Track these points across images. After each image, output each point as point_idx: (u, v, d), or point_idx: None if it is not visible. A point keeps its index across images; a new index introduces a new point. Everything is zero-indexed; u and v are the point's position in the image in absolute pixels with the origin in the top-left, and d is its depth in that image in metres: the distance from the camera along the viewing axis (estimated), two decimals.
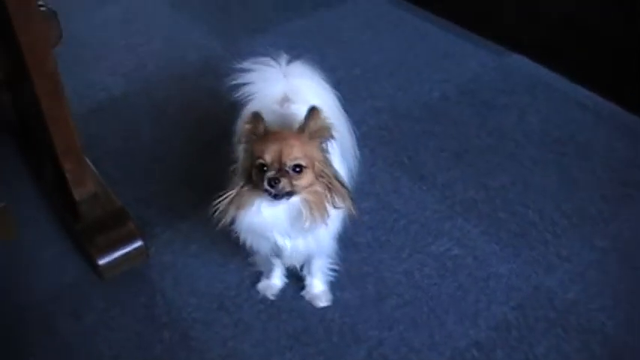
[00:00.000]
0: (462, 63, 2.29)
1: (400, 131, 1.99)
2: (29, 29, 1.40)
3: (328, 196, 1.24)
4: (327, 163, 1.26)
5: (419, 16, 2.55)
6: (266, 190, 1.20)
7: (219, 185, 1.73)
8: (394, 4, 2.64)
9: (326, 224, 1.25)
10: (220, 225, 1.27)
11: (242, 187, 1.26)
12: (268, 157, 1.20)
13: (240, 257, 1.59)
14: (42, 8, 1.57)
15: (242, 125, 1.30)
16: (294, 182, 1.21)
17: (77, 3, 2.71)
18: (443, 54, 2.34)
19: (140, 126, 2.05)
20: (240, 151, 1.32)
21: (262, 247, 1.34)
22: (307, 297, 1.51)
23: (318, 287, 1.49)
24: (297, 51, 2.31)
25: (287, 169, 1.20)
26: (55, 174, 1.72)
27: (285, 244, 1.29)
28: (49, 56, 1.46)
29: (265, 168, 1.20)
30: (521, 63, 2.25)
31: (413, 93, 2.15)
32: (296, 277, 1.55)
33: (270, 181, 1.18)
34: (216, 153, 1.87)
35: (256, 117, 1.26)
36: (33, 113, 1.67)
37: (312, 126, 1.24)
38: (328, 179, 1.25)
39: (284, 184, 1.19)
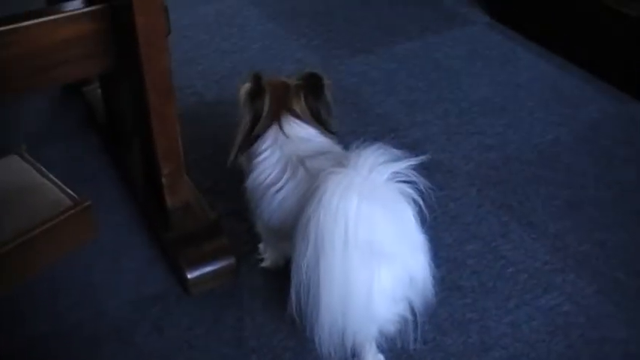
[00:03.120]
0: (580, 107, 2.31)
1: (509, 173, 2.03)
2: (149, 21, 1.48)
3: None
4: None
5: (533, 51, 2.59)
6: None
7: None
8: (506, 36, 2.69)
9: None
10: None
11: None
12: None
13: None
14: None
15: (241, 86, 1.56)
16: None
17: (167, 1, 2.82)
18: (558, 95, 2.37)
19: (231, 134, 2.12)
20: (245, 111, 1.57)
21: None
22: None
23: None
24: (401, 75, 2.40)
25: None
26: (147, 178, 1.81)
27: None
28: (164, 51, 1.54)
29: None
30: None
31: (524, 133, 2.19)
32: None
33: None
34: None
35: (258, 78, 1.53)
36: (132, 112, 1.76)
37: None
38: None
39: None
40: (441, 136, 2.15)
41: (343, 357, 1.38)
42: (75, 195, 1.78)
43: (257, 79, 1.54)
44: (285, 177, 1.46)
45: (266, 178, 1.50)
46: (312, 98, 1.58)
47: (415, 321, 1.41)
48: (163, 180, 1.67)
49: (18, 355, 1.52)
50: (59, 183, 1.82)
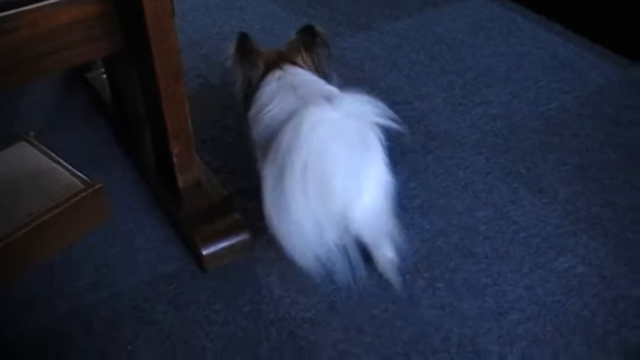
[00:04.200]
0: (583, 74, 2.31)
1: (516, 140, 2.03)
2: (156, 2, 1.48)
3: None
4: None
5: (533, 21, 2.59)
6: None
7: None
8: (506, 7, 2.69)
9: None
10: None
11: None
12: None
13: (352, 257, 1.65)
14: None
15: (232, 47, 1.71)
16: None
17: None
18: (561, 63, 2.37)
19: (241, 118, 2.12)
20: (235, 73, 1.71)
21: None
22: None
23: None
24: (403, 50, 2.40)
25: None
26: (158, 158, 1.81)
27: None
28: (172, 32, 1.54)
29: None
30: None
31: (529, 102, 2.19)
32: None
33: None
34: None
35: (244, 38, 1.70)
36: (140, 94, 1.76)
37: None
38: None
39: None
40: (446, 107, 2.15)
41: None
42: (86, 178, 1.79)
43: (244, 38, 1.71)
44: (277, 100, 1.61)
45: (262, 103, 1.64)
46: (310, 48, 1.75)
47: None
48: (174, 159, 1.68)
49: (36, 337, 1.53)
50: (69, 167, 1.83)
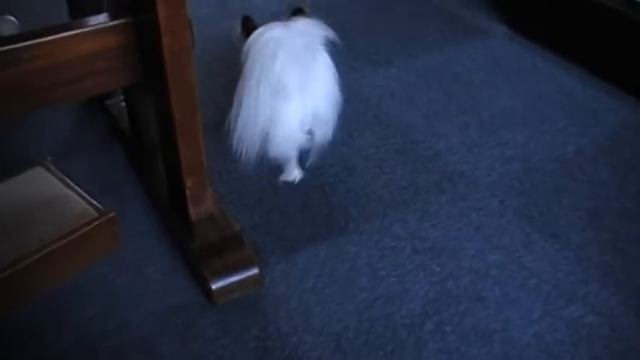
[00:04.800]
0: (600, 118, 2.30)
1: (531, 184, 2.02)
2: (175, 35, 1.50)
3: None
4: None
5: (552, 62, 2.59)
6: None
7: (339, 222, 1.80)
8: (525, 47, 2.68)
9: None
10: None
11: None
12: None
13: (361, 299, 1.64)
14: None
15: (236, 28, 1.97)
16: None
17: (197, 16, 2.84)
18: (579, 106, 2.36)
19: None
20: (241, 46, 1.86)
21: None
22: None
23: None
24: (421, 88, 2.40)
25: None
26: (170, 189, 1.81)
27: None
28: (189, 67, 1.56)
29: None
30: None
31: (545, 144, 2.18)
32: None
33: None
34: (335, 186, 1.95)
35: (247, 20, 1.94)
36: (157, 124, 1.77)
37: None
38: None
39: None
40: (462, 147, 2.14)
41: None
42: (100, 205, 1.79)
43: (247, 19, 1.95)
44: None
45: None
46: None
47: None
48: (187, 192, 1.69)
49: None
50: (84, 194, 1.83)
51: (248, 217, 1.88)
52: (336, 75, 1.87)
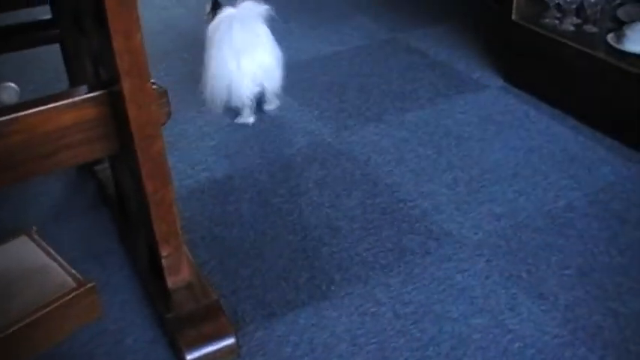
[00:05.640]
0: (593, 169, 2.26)
1: (519, 241, 1.97)
2: (141, 107, 1.49)
3: None
4: None
5: (546, 113, 2.56)
6: None
7: (320, 286, 1.77)
8: (519, 99, 2.66)
9: None
10: None
11: None
12: None
13: None
14: (154, 86, 1.68)
15: (207, 8, 2.60)
16: None
17: (185, 80, 2.87)
18: (571, 158, 2.32)
19: (241, 213, 2.11)
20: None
21: None
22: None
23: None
24: (411, 144, 2.37)
25: None
26: (150, 258, 1.79)
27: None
28: (158, 139, 1.55)
29: None
30: None
31: (536, 199, 2.14)
32: None
33: None
34: (319, 248, 1.92)
35: (215, 2, 2.56)
36: (133, 193, 1.76)
37: None
38: None
39: None
40: (450, 205, 2.11)
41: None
42: (79, 276, 1.78)
43: (215, 2, 2.57)
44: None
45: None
46: None
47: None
48: (163, 262, 1.67)
49: None
50: (64, 264, 1.82)
51: (229, 282, 1.86)
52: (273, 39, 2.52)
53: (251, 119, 2.58)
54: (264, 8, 2.43)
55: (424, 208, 2.10)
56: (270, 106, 2.65)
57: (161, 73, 2.93)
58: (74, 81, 2.27)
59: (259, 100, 2.60)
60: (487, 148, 2.38)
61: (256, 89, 2.52)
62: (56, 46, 2.24)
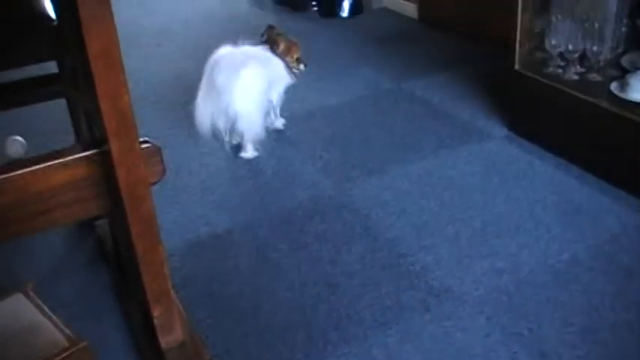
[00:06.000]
0: (598, 221, 2.21)
1: (522, 297, 1.93)
2: (130, 168, 1.47)
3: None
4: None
5: (551, 164, 2.52)
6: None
7: (317, 345, 1.73)
8: (524, 149, 2.63)
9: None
10: None
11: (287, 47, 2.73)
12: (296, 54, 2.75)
13: None
14: (145, 145, 1.66)
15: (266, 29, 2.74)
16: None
17: (176, 135, 2.87)
18: (576, 209, 2.28)
19: (239, 269, 2.09)
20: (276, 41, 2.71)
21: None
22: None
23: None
24: (413, 196, 2.34)
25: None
26: (143, 317, 1.76)
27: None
28: (147, 200, 1.53)
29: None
30: None
31: (539, 253, 2.09)
32: None
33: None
34: (316, 306, 1.89)
35: (271, 27, 2.75)
36: (126, 253, 1.74)
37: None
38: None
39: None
40: (451, 259, 2.07)
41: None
42: (72, 335, 1.75)
43: (270, 28, 2.78)
44: None
45: None
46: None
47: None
48: (155, 321, 1.64)
49: None
50: (58, 322, 1.78)
51: (224, 341, 1.83)
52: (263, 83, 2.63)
53: (248, 154, 2.67)
54: (265, 55, 2.62)
55: (425, 263, 2.06)
56: (246, 153, 2.67)
57: (168, 124, 2.93)
58: (79, 136, 2.27)
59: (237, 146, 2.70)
60: (490, 200, 2.34)
61: (230, 129, 2.63)
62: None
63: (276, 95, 2.76)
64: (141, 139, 1.73)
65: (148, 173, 1.59)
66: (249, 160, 2.66)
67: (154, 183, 1.71)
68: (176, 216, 2.35)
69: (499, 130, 2.77)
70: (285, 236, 2.22)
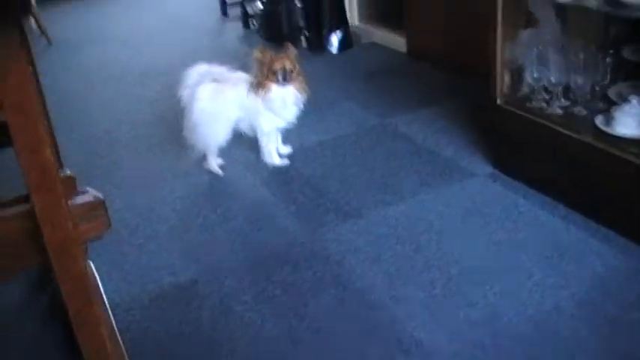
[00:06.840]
0: (583, 264, 2.07)
1: (497, 352, 1.78)
2: (56, 226, 1.36)
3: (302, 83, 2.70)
4: (300, 68, 2.69)
5: (536, 202, 2.38)
6: (277, 80, 2.62)
7: None
8: (508, 187, 2.49)
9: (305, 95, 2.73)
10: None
11: (259, 82, 2.65)
12: (278, 66, 2.61)
13: None
14: (84, 195, 1.55)
15: (257, 53, 2.67)
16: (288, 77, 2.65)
17: (152, 177, 2.77)
18: (560, 252, 2.13)
19: (201, 322, 1.96)
20: (256, 68, 2.66)
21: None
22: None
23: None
24: (389, 241, 2.21)
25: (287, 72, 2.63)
26: None
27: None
28: (79, 257, 1.41)
29: (276, 71, 2.62)
30: None
31: (519, 302, 1.94)
32: None
33: (281, 74, 2.62)
34: None
35: (264, 49, 2.68)
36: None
37: (291, 53, 2.67)
38: (301, 75, 2.70)
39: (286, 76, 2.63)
40: (424, 311, 1.93)
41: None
42: None
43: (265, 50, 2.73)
44: None
45: None
46: None
47: None
48: None
49: None
50: None
51: None
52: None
53: (209, 166, 2.81)
54: (235, 76, 2.73)
55: (395, 315, 1.92)
56: (206, 164, 2.81)
57: (144, 166, 2.84)
58: None
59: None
60: (470, 244, 2.21)
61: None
62: None
63: (261, 119, 2.71)
64: (81, 190, 1.62)
65: (86, 228, 1.48)
66: (221, 204, 2.55)
67: (95, 239, 1.60)
68: (141, 265, 2.24)
69: (483, 168, 2.64)
70: (252, 286, 2.09)
